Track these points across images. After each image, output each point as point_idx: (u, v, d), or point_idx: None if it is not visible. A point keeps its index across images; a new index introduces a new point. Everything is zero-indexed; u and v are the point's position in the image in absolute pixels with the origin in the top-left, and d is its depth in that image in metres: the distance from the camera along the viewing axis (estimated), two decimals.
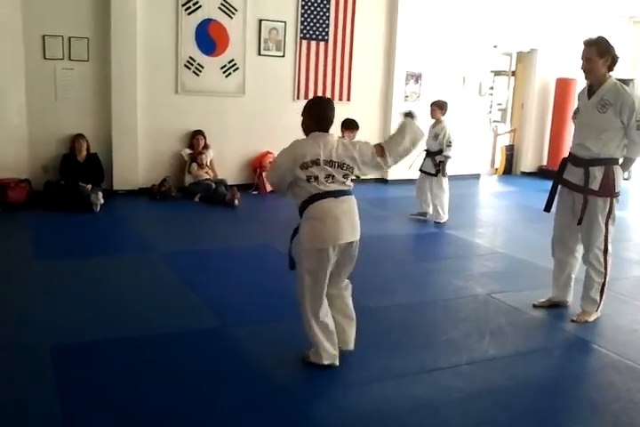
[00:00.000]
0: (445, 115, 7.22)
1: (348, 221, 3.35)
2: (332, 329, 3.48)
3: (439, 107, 7.18)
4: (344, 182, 3.37)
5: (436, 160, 7.14)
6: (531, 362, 3.69)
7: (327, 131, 3.41)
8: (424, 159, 7.28)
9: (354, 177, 3.45)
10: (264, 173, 3.65)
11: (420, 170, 7.35)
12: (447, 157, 7.08)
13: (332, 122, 3.44)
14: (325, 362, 3.46)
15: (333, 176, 3.32)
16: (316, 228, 3.30)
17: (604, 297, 4.29)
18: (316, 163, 3.28)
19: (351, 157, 3.36)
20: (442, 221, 7.17)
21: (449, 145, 7.02)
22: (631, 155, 4.15)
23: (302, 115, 3.46)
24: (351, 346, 3.63)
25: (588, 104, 4.13)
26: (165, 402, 3.06)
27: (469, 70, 10.44)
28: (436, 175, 7.17)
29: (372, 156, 3.43)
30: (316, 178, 3.29)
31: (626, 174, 12.29)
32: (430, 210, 7.37)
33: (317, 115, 3.41)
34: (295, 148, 3.36)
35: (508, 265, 5.72)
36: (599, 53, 4.01)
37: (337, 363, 3.48)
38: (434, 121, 7.20)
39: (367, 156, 3.42)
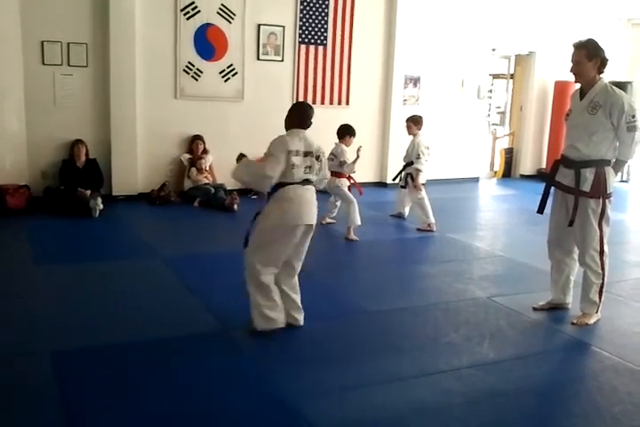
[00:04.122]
0: (421, 129, 7.12)
1: (311, 206, 3.88)
2: (275, 297, 3.88)
3: (415, 122, 7.12)
4: (315, 174, 3.94)
5: (406, 172, 7.15)
6: (531, 365, 3.68)
7: (305, 129, 3.97)
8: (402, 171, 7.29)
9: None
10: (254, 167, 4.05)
11: (393, 179, 7.52)
12: (417, 170, 7.01)
13: (310, 123, 3.99)
14: (259, 328, 3.85)
15: (310, 167, 3.88)
16: (287, 208, 3.78)
17: (603, 298, 4.30)
18: (297, 153, 3.81)
19: (323, 153, 4.00)
20: (423, 228, 6.98)
21: (418, 158, 6.98)
22: (622, 156, 4.15)
23: (288, 114, 4.04)
24: (301, 321, 4.03)
25: (580, 106, 4.14)
26: (168, 406, 3.06)
27: (468, 73, 10.45)
28: (404, 187, 7.20)
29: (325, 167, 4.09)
30: (297, 166, 3.80)
31: (624, 177, 12.21)
32: (406, 211, 7.49)
33: (300, 114, 3.99)
34: (284, 140, 3.85)
35: (508, 268, 5.72)
36: (588, 56, 4.03)
37: (280, 325, 3.91)
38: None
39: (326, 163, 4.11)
